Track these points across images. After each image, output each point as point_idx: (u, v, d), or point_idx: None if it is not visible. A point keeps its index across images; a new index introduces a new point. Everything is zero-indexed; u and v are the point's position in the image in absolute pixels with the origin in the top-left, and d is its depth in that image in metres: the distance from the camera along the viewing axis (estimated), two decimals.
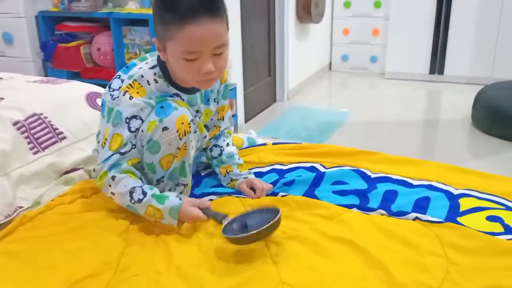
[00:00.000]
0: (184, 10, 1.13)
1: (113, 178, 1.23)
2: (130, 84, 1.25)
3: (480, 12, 4.19)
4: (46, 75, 3.00)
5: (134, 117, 1.23)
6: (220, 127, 1.51)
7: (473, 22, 4.24)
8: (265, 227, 1.11)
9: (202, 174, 1.55)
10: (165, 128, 1.21)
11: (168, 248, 1.14)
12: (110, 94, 1.29)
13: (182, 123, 1.22)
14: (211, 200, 1.38)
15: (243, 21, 3.23)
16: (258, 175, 1.48)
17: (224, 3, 1.20)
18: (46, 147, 1.47)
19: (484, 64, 4.30)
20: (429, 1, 4.34)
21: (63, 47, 2.92)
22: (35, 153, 1.43)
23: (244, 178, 1.44)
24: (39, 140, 1.46)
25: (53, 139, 1.50)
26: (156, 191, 1.23)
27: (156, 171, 1.27)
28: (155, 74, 1.27)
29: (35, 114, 1.52)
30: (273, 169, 1.52)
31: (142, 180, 1.27)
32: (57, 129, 1.53)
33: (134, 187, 1.22)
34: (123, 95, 1.24)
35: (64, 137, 1.53)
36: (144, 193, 1.21)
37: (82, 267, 1.06)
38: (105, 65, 2.98)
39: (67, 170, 1.49)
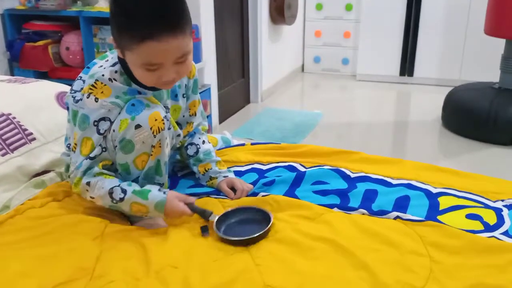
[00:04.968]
0: (144, 27, 1.07)
1: (88, 183, 1.20)
2: (92, 85, 1.19)
3: (449, 16, 4.29)
4: (12, 75, 2.89)
5: (103, 119, 1.18)
6: (193, 123, 1.47)
7: (442, 25, 4.33)
8: (265, 229, 1.14)
9: (179, 175, 1.51)
10: (138, 126, 1.17)
11: (146, 252, 1.10)
12: (72, 96, 1.23)
13: (156, 120, 1.18)
14: None
15: (217, 23, 3.20)
16: (237, 174, 1.46)
17: (186, 13, 1.14)
18: (15, 148, 1.40)
19: (453, 66, 4.39)
20: (399, 5, 4.40)
21: (30, 46, 2.82)
22: (3, 155, 1.36)
23: (224, 176, 1.41)
24: (7, 142, 1.40)
25: (22, 140, 1.44)
26: (135, 186, 1.21)
27: (131, 172, 1.23)
28: (115, 72, 1.21)
29: (3, 114, 1.45)
30: (252, 168, 1.50)
31: (118, 178, 1.23)
32: (26, 130, 1.47)
33: (112, 187, 1.19)
34: (87, 97, 1.18)
35: (34, 138, 1.47)
36: (124, 191, 1.19)
37: (56, 274, 1.01)
38: (74, 65, 2.91)
39: (37, 172, 1.43)
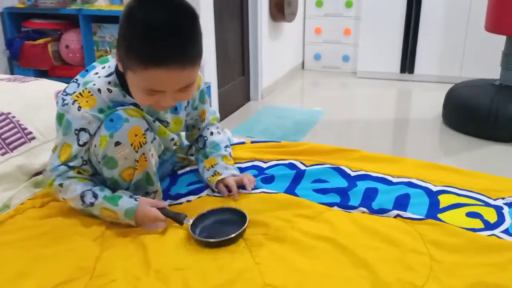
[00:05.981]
0: (155, 55, 1.03)
1: (60, 185, 1.19)
2: (80, 93, 1.18)
3: (449, 12, 4.28)
4: (12, 74, 2.89)
5: (83, 129, 1.17)
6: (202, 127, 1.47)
7: (442, 22, 4.32)
8: (241, 230, 1.11)
9: (179, 173, 1.50)
10: (117, 143, 1.14)
11: (147, 252, 1.10)
12: (62, 98, 1.20)
13: (136, 135, 1.15)
14: (188, 201, 1.35)
15: (217, 20, 3.20)
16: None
17: (200, 44, 1.10)
18: (15, 147, 1.40)
19: (453, 63, 4.39)
20: (399, 1, 4.39)
21: (30, 45, 2.82)
22: (3, 154, 1.36)
23: (233, 174, 1.36)
24: (7, 141, 1.40)
25: (22, 140, 1.43)
26: (107, 192, 1.20)
27: (120, 184, 1.23)
28: (109, 83, 1.19)
29: (2, 114, 1.45)
30: (253, 165, 1.50)
31: (92, 181, 1.22)
32: (26, 129, 1.46)
33: (84, 191, 1.18)
34: (72, 104, 1.17)
35: (34, 137, 1.47)
36: (95, 196, 1.18)
37: (55, 274, 1.01)
38: (74, 63, 2.90)
39: (37, 171, 1.43)
